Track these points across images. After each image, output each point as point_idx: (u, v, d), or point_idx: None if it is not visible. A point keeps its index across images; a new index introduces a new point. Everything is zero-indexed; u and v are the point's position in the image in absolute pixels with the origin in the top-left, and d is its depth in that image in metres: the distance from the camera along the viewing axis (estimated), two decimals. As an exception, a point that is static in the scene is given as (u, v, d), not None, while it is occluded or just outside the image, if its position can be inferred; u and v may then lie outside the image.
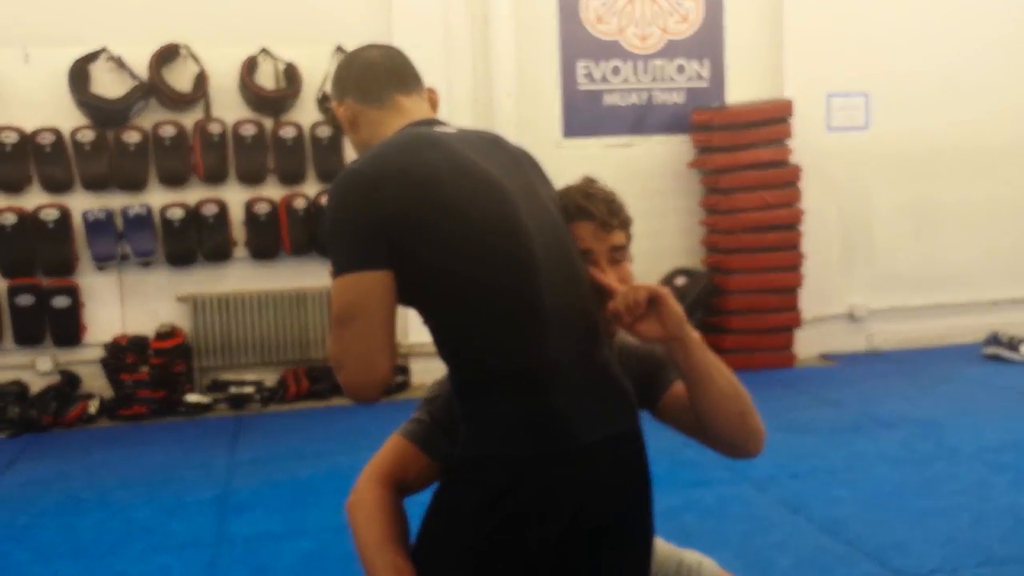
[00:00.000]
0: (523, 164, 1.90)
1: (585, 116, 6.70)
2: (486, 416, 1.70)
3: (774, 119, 6.52)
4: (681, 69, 6.80)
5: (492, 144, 1.91)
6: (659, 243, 6.63)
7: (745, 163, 6.45)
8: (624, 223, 1.90)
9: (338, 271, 1.68)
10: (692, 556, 2.05)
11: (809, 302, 6.68)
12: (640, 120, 6.78)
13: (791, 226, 6.55)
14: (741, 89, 6.80)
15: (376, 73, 1.94)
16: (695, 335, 1.76)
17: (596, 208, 1.85)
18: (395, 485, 1.86)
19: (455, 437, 1.75)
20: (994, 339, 6.61)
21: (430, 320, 1.75)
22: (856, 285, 7.08)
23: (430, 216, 1.67)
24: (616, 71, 6.72)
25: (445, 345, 1.74)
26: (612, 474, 1.73)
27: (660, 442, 1.99)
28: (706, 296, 6.49)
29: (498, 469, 1.68)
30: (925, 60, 6.96)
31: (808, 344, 6.78)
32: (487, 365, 1.70)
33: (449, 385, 1.80)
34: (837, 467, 4.35)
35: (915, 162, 7.05)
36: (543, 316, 1.69)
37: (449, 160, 1.73)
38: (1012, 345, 6.47)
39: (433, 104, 2.02)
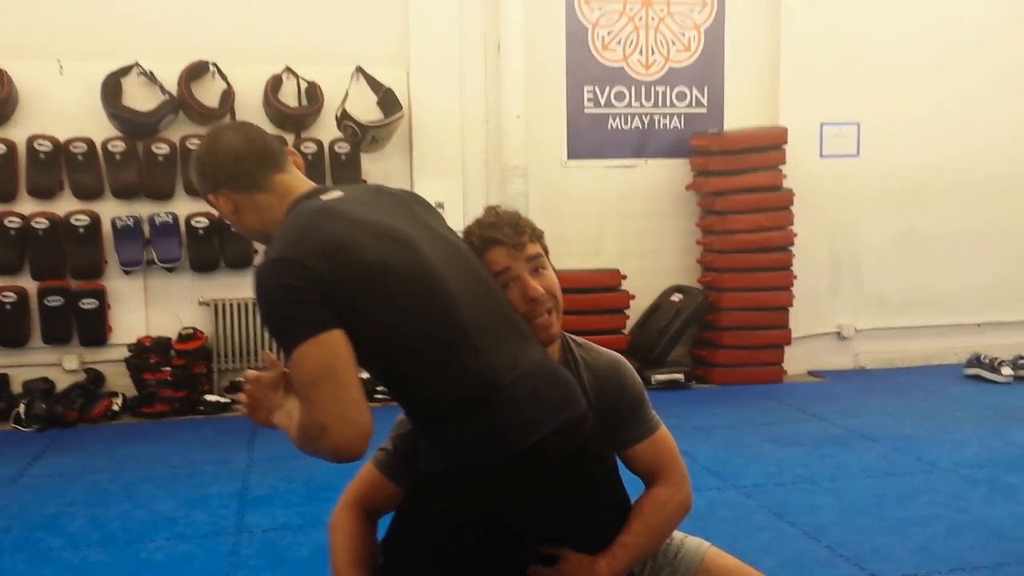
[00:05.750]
0: (411, 205, 1.98)
1: (590, 138, 6.78)
2: (443, 439, 1.80)
3: (769, 145, 6.61)
4: (682, 95, 6.90)
5: (378, 196, 1.98)
6: (657, 261, 6.84)
7: (740, 187, 6.54)
8: (534, 236, 2.02)
9: (294, 343, 1.68)
10: (693, 539, 2.23)
11: (799, 321, 6.79)
12: (641, 144, 6.89)
13: (783, 248, 6.65)
14: (738, 116, 6.90)
15: (247, 161, 1.93)
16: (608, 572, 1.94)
17: (502, 233, 1.97)
18: (365, 510, 2.04)
19: (415, 464, 1.89)
20: (976, 360, 6.69)
21: (374, 372, 1.82)
22: (844, 305, 7.18)
23: (357, 280, 1.73)
24: (620, 96, 6.81)
25: (393, 390, 1.83)
26: (560, 465, 1.82)
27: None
28: (701, 313, 6.63)
29: (455, 480, 1.78)
30: (914, 93, 7.06)
31: (797, 361, 6.89)
32: (434, 401, 1.79)
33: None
34: (821, 477, 4.44)
35: (903, 190, 7.14)
36: (474, 341, 1.79)
37: (352, 226, 1.80)
38: (993, 367, 6.54)
39: (299, 167, 2.03)
